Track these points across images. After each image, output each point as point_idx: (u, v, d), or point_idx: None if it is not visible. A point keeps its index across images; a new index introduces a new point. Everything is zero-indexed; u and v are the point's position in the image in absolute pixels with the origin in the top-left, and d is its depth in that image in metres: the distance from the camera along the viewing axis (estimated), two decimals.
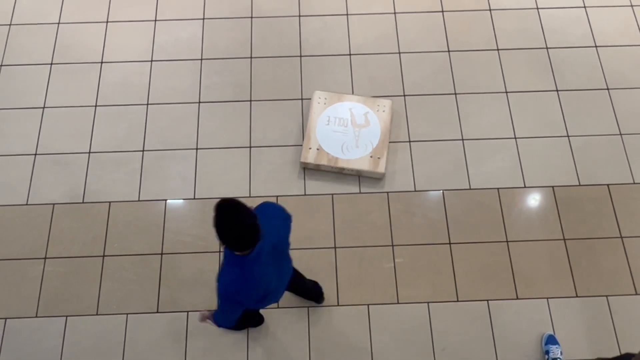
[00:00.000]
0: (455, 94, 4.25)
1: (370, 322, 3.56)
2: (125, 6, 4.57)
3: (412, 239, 3.78)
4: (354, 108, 4.03)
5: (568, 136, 4.10)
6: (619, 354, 3.47)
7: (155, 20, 4.50)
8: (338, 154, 3.90)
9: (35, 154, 4.02)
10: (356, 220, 3.83)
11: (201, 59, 4.36)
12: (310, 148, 3.93)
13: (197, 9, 4.56)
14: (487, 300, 3.62)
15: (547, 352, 3.40)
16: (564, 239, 3.79)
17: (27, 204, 3.87)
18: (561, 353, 3.39)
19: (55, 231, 3.79)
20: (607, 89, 4.26)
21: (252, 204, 3.84)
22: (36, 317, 3.57)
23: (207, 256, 3.72)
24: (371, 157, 3.88)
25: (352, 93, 4.22)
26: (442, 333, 3.54)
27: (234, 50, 4.40)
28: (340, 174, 3.95)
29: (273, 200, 3.88)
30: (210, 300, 3.60)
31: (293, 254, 3.71)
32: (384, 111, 4.00)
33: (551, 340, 3.44)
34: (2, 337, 3.51)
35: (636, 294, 3.64)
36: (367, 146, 3.91)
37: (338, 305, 3.60)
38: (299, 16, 4.53)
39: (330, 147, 3.93)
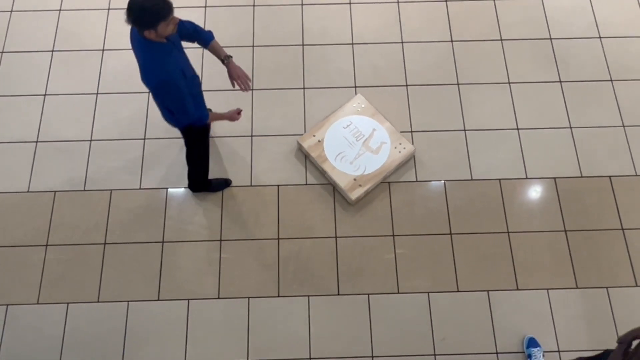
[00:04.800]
0: (458, 84, 4.23)
1: (371, 311, 3.57)
2: None
3: (413, 229, 3.78)
4: (377, 131, 3.93)
5: (570, 127, 4.09)
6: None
7: None
8: (330, 158, 3.86)
9: (37, 142, 4.01)
10: (357, 210, 3.83)
11: (203, 48, 4.32)
12: (314, 136, 3.92)
13: None
14: (487, 291, 3.63)
15: (529, 356, 3.39)
16: (565, 231, 3.78)
17: (28, 191, 3.87)
18: (543, 355, 3.38)
19: (57, 218, 3.79)
20: (611, 80, 4.24)
21: (253, 193, 3.85)
22: (38, 303, 3.58)
23: (209, 244, 3.73)
24: (355, 180, 3.79)
25: (355, 83, 4.21)
26: (442, 323, 3.55)
27: (236, 38, 4.38)
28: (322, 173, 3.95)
29: (274, 190, 3.88)
30: (212, 286, 3.61)
31: (294, 242, 3.73)
32: (399, 152, 3.86)
33: (532, 343, 3.43)
34: (4, 323, 3.53)
35: (636, 285, 3.64)
36: (359, 169, 3.83)
37: (339, 294, 3.61)
38: (302, 5, 4.50)
39: (330, 147, 3.89)
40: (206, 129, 3.33)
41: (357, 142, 3.90)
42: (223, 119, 3.31)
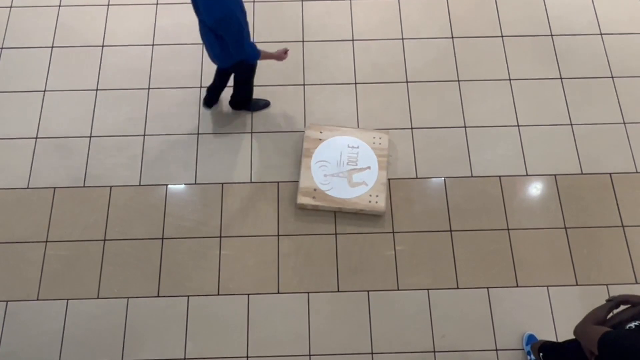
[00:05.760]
0: (459, 80, 4.22)
1: (370, 308, 3.57)
2: None
3: (413, 226, 3.78)
4: (370, 170, 3.78)
5: (571, 124, 4.08)
6: None
7: (157, 4, 4.47)
8: (314, 158, 3.82)
9: (36, 138, 4.01)
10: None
11: (203, 43, 4.31)
12: (321, 132, 3.90)
13: None
14: (487, 288, 3.63)
15: (529, 353, 3.39)
16: (565, 228, 3.78)
17: (28, 188, 3.87)
18: None
19: (56, 215, 3.79)
20: (612, 77, 4.23)
21: (253, 189, 3.84)
22: (37, 300, 3.58)
23: (208, 241, 3.72)
24: (314, 190, 3.72)
25: (355, 79, 4.20)
26: (442, 320, 3.55)
27: None
28: None
29: (274, 186, 3.87)
30: (212, 283, 3.61)
31: (294, 239, 3.73)
32: (369, 201, 3.70)
33: (532, 340, 3.43)
34: (4, 319, 3.53)
35: (636, 282, 3.64)
36: (327, 185, 3.73)
37: (338, 291, 3.61)
38: (302, 1, 4.49)
39: (321, 151, 3.84)
40: (254, 66, 3.56)
41: (345, 166, 3.81)
42: (272, 58, 3.45)
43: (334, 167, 3.81)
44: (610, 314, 2.29)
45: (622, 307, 2.32)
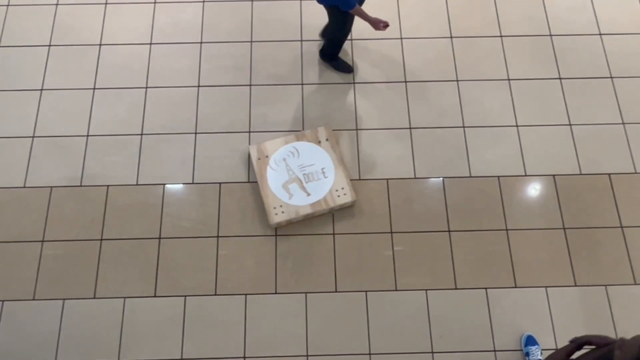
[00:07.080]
0: (457, 80, 4.21)
1: (368, 308, 3.56)
2: None
3: (411, 227, 3.77)
4: (305, 198, 3.72)
5: (570, 125, 4.07)
6: None
7: (155, 2, 4.45)
8: (293, 143, 3.86)
9: (33, 137, 3.99)
10: (356, 207, 3.81)
11: (201, 42, 4.31)
12: (327, 139, 3.89)
13: None
14: (486, 289, 3.62)
15: (527, 354, 3.38)
16: (564, 228, 3.77)
17: (24, 187, 3.85)
18: (541, 353, 3.37)
19: (53, 214, 3.77)
20: (611, 77, 4.22)
21: (251, 189, 3.83)
22: (34, 299, 3.57)
23: (206, 241, 3.71)
24: (266, 157, 3.79)
25: (353, 79, 4.19)
26: (440, 321, 3.54)
27: (234, 33, 4.35)
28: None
29: None
30: (209, 283, 3.60)
31: (291, 239, 3.71)
32: (274, 208, 3.69)
33: (530, 341, 3.42)
34: (0, 319, 3.51)
35: (635, 283, 3.63)
36: (275, 165, 3.77)
37: (336, 291, 3.60)
38: (301, 0, 4.47)
39: (308, 149, 3.84)
40: (345, 16, 3.52)
41: (300, 174, 3.79)
42: (367, 20, 3.44)
43: (294, 164, 3.83)
44: (573, 356, 2.23)
45: (585, 349, 2.26)
